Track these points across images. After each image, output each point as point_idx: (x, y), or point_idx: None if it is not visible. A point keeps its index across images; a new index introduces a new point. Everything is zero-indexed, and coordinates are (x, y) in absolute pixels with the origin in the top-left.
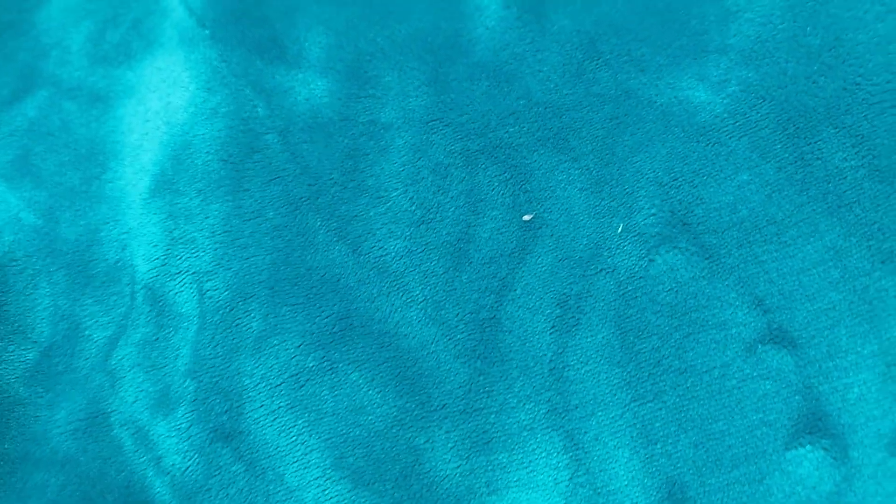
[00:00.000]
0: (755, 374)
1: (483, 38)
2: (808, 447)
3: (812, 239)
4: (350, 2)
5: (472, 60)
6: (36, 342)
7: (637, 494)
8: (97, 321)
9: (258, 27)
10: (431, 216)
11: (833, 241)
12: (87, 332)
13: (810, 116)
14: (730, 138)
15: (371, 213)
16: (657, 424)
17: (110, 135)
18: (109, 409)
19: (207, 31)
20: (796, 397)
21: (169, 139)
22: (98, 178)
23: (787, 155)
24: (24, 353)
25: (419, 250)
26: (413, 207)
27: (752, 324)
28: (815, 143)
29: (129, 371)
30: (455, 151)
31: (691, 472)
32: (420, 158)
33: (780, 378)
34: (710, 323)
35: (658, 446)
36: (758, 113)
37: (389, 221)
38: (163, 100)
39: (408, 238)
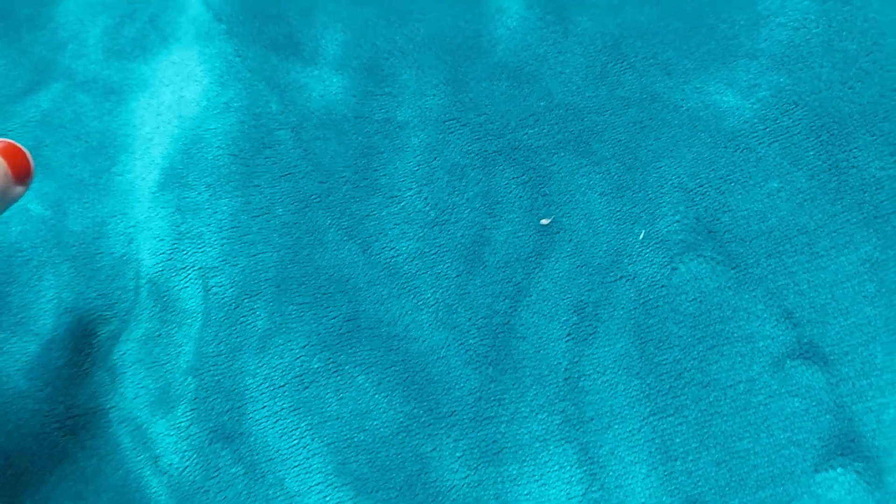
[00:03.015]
0: (783, 390)
1: (504, 38)
2: (840, 470)
3: (846, 250)
4: (368, 1)
5: (492, 61)
6: (38, 334)
7: None
8: (100, 315)
9: (275, 23)
10: (446, 218)
11: (869, 252)
12: (89, 326)
13: (845, 123)
14: (759, 144)
15: (383, 213)
16: (677, 440)
17: (122, 128)
18: (109, 406)
19: (224, 26)
20: (827, 416)
21: (180, 133)
22: (108, 171)
23: (820, 162)
24: (25, 345)
25: (432, 252)
26: (427, 208)
27: (781, 337)
28: (851, 150)
29: (130, 367)
30: (472, 152)
31: (713, 491)
32: (436, 158)
33: (811, 395)
34: (735, 335)
35: (678, 463)
36: (790, 119)
37: (402, 222)
38: (176, 93)
39: (420, 239)
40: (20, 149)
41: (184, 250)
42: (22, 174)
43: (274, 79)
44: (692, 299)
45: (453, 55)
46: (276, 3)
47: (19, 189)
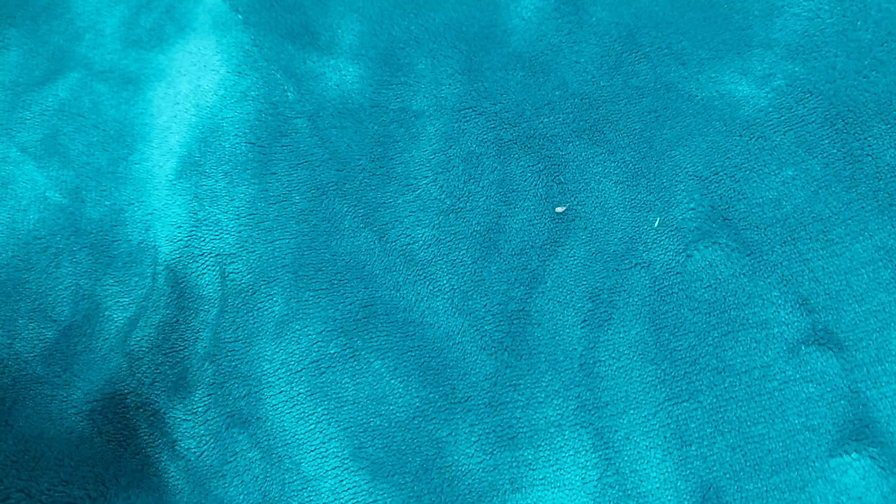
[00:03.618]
0: (798, 376)
1: (519, 28)
2: (855, 455)
3: (861, 238)
4: None
5: (507, 50)
6: (56, 321)
7: (669, 498)
8: (118, 302)
9: (291, 13)
10: (461, 205)
11: (883, 240)
12: (107, 313)
13: (860, 112)
14: (774, 133)
15: (399, 201)
16: (692, 425)
17: (139, 117)
18: (126, 391)
19: (240, 16)
20: (842, 402)
21: (197, 122)
22: (125, 160)
23: (834, 151)
24: (43, 331)
25: (447, 239)
26: (443, 196)
27: (796, 324)
28: (865, 139)
29: (148, 353)
30: (487, 141)
31: (728, 476)
32: (451, 147)
33: (825, 381)
34: (750, 322)
35: (693, 448)
36: (804, 108)
37: (418, 209)
38: (193, 83)
39: (436, 227)
40: None
41: (201, 237)
42: None
43: (290, 68)
44: (707, 286)
45: (468, 45)
46: None
47: None
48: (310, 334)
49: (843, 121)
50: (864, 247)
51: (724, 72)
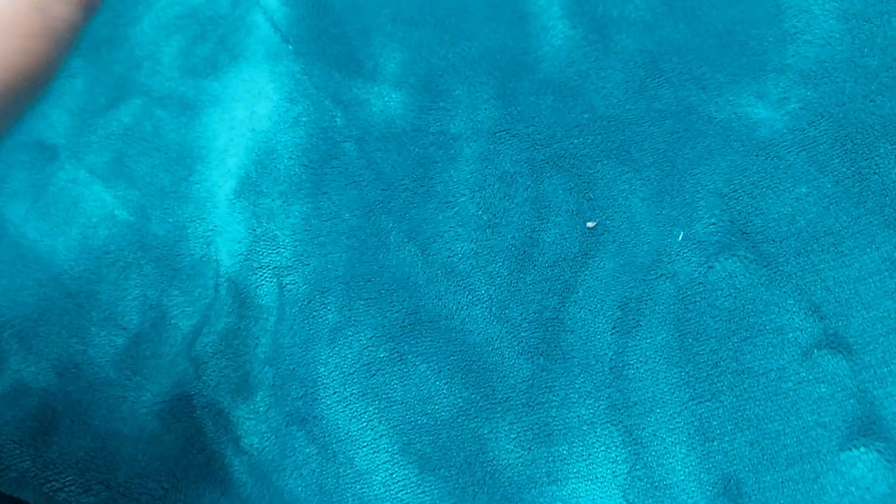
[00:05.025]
0: (811, 377)
1: (549, 55)
2: (863, 449)
3: (868, 250)
4: (423, 22)
5: (539, 76)
6: (125, 329)
7: (693, 489)
8: (183, 311)
9: (338, 43)
10: (497, 221)
11: (889, 252)
12: (173, 321)
13: (868, 133)
14: (788, 153)
15: (440, 217)
16: (714, 423)
17: (198, 140)
18: (192, 393)
19: (291, 47)
20: (851, 401)
21: (253, 145)
22: (186, 180)
23: (844, 169)
24: (114, 338)
25: (485, 252)
26: (480, 212)
27: (809, 329)
28: (873, 158)
29: (212, 358)
30: (521, 161)
31: (747, 469)
32: (487, 167)
33: (836, 382)
34: (767, 328)
35: (715, 444)
36: (816, 129)
37: (457, 225)
38: (248, 109)
39: (474, 241)
40: None
41: (260, 251)
42: None
43: (338, 95)
44: (727, 295)
45: (502, 71)
46: (338, 24)
47: (68, 9)
48: (361, 340)
49: (852, 141)
50: (871, 258)
51: (741, 95)
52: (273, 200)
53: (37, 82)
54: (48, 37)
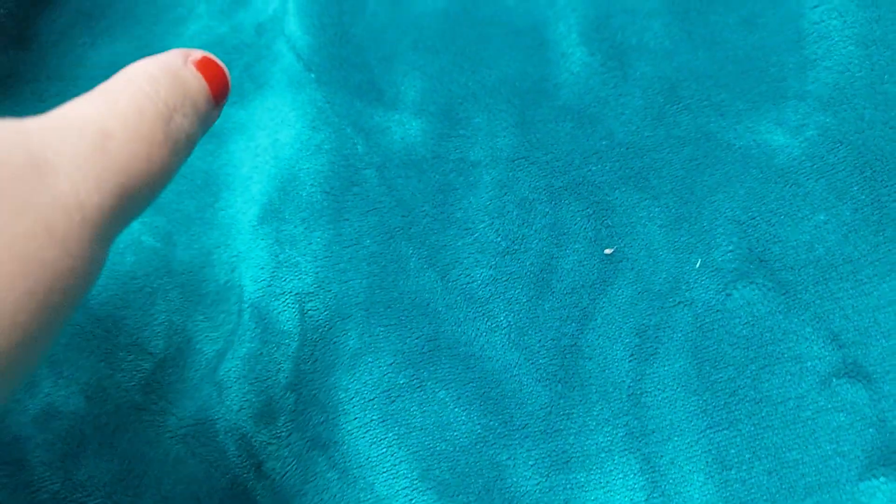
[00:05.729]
0: (830, 406)
1: (568, 82)
2: (882, 479)
3: (888, 278)
4: (443, 50)
5: (557, 104)
6: (151, 354)
7: None
8: (207, 336)
9: (359, 71)
10: (516, 247)
11: None
12: (197, 346)
13: (887, 160)
14: (807, 180)
15: (459, 244)
16: (732, 451)
17: (223, 168)
18: (216, 417)
19: (313, 76)
20: (870, 430)
21: (276, 172)
22: (211, 207)
23: (863, 196)
24: (140, 363)
25: (504, 279)
26: (499, 239)
27: (828, 358)
28: (892, 185)
29: (235, 383)
30: (540, 188)
31: (765, 498)
32: (506, 194)
33: (855, 411)
34: (785, 356)
35: (732, 472)
36: (835, 156)
37: (476, 251)
38: (271, 136)
39: (493, 267)
40: (218, 65)
41: (282, 277)
42: (220, 93)
43: (359, 123)
44: (745, 323)
45: (521, 99)
46: (359, 53)
47: (216, 112)
48: (381, 366)
49: (871, 169)
50: (891, 286)
51: (760, 122)
52: (295, 227)
53: (154, 187)
54: (169, 146)
